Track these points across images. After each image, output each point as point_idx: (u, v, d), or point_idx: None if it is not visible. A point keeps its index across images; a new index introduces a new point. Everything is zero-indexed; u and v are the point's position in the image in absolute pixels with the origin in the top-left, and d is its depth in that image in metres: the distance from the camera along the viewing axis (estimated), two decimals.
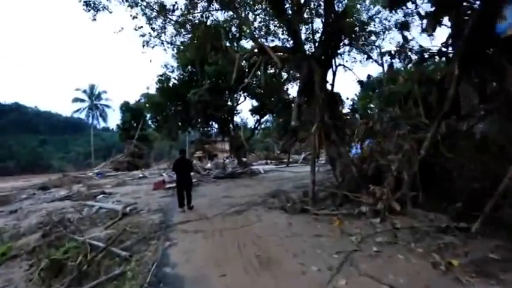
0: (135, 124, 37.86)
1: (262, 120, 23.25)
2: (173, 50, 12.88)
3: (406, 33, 6.52)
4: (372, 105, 22.10)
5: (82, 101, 45.15)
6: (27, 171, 51.30)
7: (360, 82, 9.35)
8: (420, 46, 5.26)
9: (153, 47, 11.97)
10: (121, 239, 6.87)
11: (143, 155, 36.76)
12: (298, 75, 17.35)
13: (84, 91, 44.78)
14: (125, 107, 37.96)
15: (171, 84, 18.37)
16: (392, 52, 6.46)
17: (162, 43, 11.72)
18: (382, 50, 10.97)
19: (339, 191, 7.35)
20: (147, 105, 19.68)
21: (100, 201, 13.39)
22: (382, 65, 11.98)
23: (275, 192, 10.39)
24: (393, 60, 5.40)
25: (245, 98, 19.42)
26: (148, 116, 21.54)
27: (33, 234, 9.21)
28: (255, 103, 21.82)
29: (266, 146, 43.91)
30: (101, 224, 8.69)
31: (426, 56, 5.56)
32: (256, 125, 22.52)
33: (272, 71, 18.29)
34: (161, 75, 18.27)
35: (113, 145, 51.59)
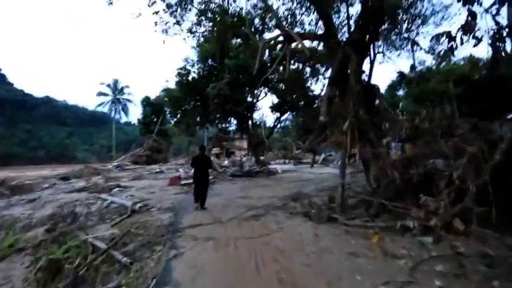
0: (155, 119, 37.68)
1: (282, 118, 22.11)
2: (193, 39, 12.03)
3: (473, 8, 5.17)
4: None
5: (106, 95, 45.74)
6: (55, 161, 52.72)
7: (401, 74, 7.99)
8: (496, 22, 4.03)
9: (173, 35, 11.19)
10: (124, 241, 6.07)
11: (162, 150, 36.50)
12: (323, 69, 16.22)
13: (108, 85, 45.40)
14: (146, 102, 37.84)
15: (190, 78, 17.64)
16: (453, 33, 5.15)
17: (182, 30, 10.89)
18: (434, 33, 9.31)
19: (373, 199, 6.22)
20: (166, 99, 19.07)
21: (115, 195, 12.89)
22: (432, 52, 10.36)
23: (296, 195, 9.33)
24: (454, 43, 4.19)
25: (266, 94, 18.45)
26: (167, 111, 20.94)
27: (43, 226, 8.72)
28: (275, 100, 20.79)
29: (284, 145, 42.78)
30: (109, 220, 7.99)
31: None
32: (276, 123, 21.47)
33: (295, 66, 17.21)
34: (181, 69, 17.59)
35: (134, 139, 52.12)
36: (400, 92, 23.80)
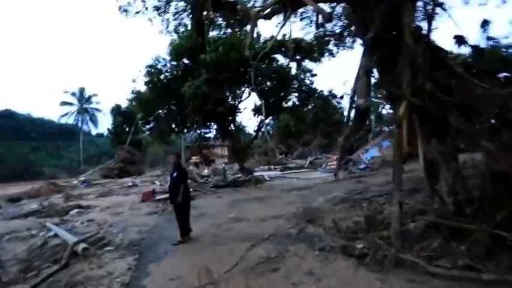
0: (127, 128, 33.94)
1: (267, 121, 19.62)
2: (162, 23, 9.25)
3: None
4: None
5: (71, 104, 40.88)
6: (18, 178, 46.92)
7: (459, 38, 5.74)
8: None
9: (134, 15, 8.38)
10: None
11: (135, 161, 32.79)
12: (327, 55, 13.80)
13: (73, 94, 40.58)
14: (116, 111, 34.03)
15: (162, 77, 14.73)
16: None
17: (146, 8, 8.14)
18: None
19: (455, 222, 3.80)
20: (133, 103, 15.98)
21: (72, 218, 9.88)
22: None
23: (307, 212, 6.77)
24: None
25: (249, 94, 15.94)
26: (139, 117, 17.81)
27: None
28: (258, 101, 18.30)
29: (264, 150, 40.30)
30: (36, 272, 4.98)
31: None
32: (261, 126, 18.92)
33: (285, 61, 14.86)
34: (150, 67, 14.62)
35: (107, 151, 47.60)
36: None
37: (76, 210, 11.50)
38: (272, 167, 25.57)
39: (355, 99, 4.33)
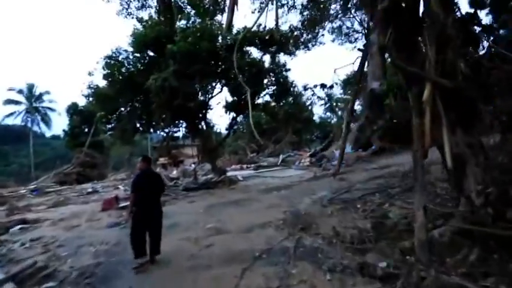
0: (86, 129, 30.85)
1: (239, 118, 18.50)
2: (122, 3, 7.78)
3: None
4: None
5: (18, 103, 36.00)
6: None
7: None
8: None
9: None
10: None
11: (96, 165, 29.91)
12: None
13: (20, 91, 35.71)
14: (73, 110, 30.75)
15: (123, 69, 13.00)
16: None
17: None
18: None
19: (496, 229, 3.08)
20: (90, 99, 14.01)
21: (12, 238, 8.07)
22: None
23: (297, 218, 5.88)
24: None
25: (221, 89, 14.72)
26: (98, 116, 15.73)
27: None
28: (229, 97, 17.20)
29: (234, 149, 39.09)
30: None
31: None
32: (234, 123, 17.78)
33: (259, 54, 13.85)
34: (109, 58, 12.82)
35: (65, 155, 43.18)
36: None
37: (19, 226, 9.51)
38: (244, 166, 24.54)
39: (369, 82, 3.44)
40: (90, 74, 13.01)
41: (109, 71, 13.14)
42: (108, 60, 12.98)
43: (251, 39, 12.92)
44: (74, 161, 29.44)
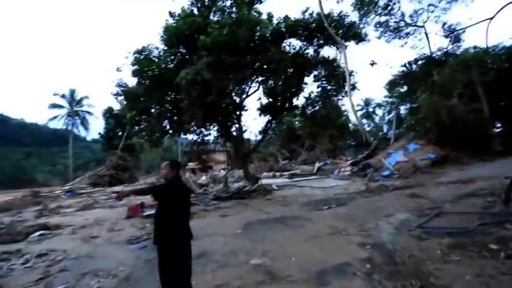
0: (120, 132, 30.45)
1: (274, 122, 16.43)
2: None
3: None
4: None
5: (61, 107, 36.73)
6: (10, 185, 42.96)
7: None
8: None
9: None
10: None
11: (128, 168, 29.25)
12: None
13: (63, 96, 36.43)
14: (109, 114, 30.56)
15: (154, 66, 11.54)
16: None
17: None
18: None
19: None
20: (120, 98, 12.72)
21: (28, 245, 6.97)
22: None
23: (387, 255, 3.66)
24: None
25: (258, 87, 12.78)
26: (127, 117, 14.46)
27: None
28: (263, 100, 15.24)
29: (263, 156, 37.00)
30: None
31: None
32: (268, 127, 15.74)
33: (298, 44, 11.67)
34: (139, 52, 11.44)
35: (103, 157, 44.02)
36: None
37: (39, 232, 8.35)
38: (277, 173, 22.36)
39: None
40: (118, 69, 11.69)
41: (138, 68, 11.74)
42: (138, 56, 11.60)
43: (293, 29, 10.91)
44: (108, 164, 29.04)
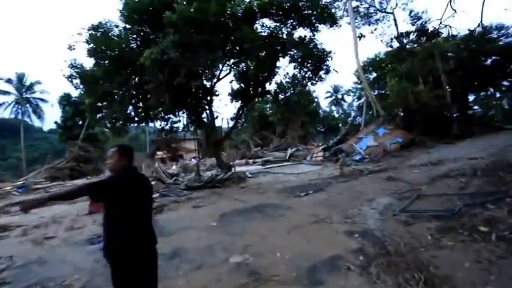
0: (80, 121, 27.89)
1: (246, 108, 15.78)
2: None
3: None
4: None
5: (6, 93, 32.58)
6: None
7: None
8: None
9: None
10: None
11: (91, 159, 27.05)
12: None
13: (9, 80, 32.20)
14: (66, 101, 27.72)
15: (112, 44, 10.21)
16: None
17: None
18: None
19: None
20: (74, 81, 11.16)
21: None
22: None
23: (378, 245, 3.34)
24: None
25: (230, 70, 11.97)
26: (85, 102, 12.83)
27: None
28: (235, 85, 14.50)
29: (235, 143, 36.25)
30: None
31: None
32: (240, 114, 15.06)
33: (271, 25, 10.96)
34: (95, 29, 10.02)
35: (63, 149, 40.22)
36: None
37: None
38: (250, 161, 21.95)
39: None
40: (70, 48, 10.15)
41: (95, 46, 10.35)
42: (94, 32, 10.18)
43: (266, 8, 10.21)
44: (67, 155, 26.61)
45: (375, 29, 17.32)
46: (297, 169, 15.30)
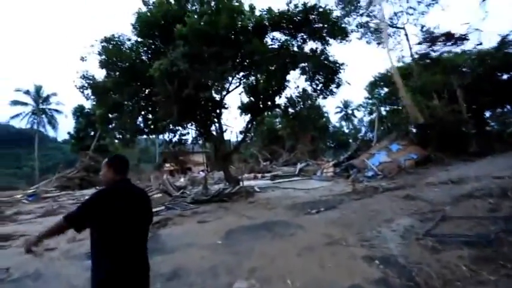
0: (92, 132, 28.22)
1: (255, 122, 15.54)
2: None
3: None
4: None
5: (24, 104, 33.51)
6: None
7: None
8: None
9: None
10: None
11: (100, 170, 27.05)
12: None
13: (27, 92, 33.10)
14: (79, 112, 28.23)
15: (124, 56, 10.26)
16: None
17: None
18: None
19: None
20: (86, 92, 11.19)
21: None
22: None
23: (405, 275, 2.86)
24: None
25: (239, 83, 11.81)
26: (97, 113, 12.89)
27: None
28: (244, 98, 14.36)
29: (244, 157, 35.87)
30: None
31: None
32: (249, 127, 14.81)
33: (281, 38, 10.80)
34: (107, 41, 10.11)
35: (75, 159, 40.89)
36: None
37: None
38: (258, 175, 21.50)
39: None
40: (82, 59, 10.23)
41: (106, 58, 10.41)
42: (106, 45, 10.26)
43: (276, 21, 10.09)
44: (78, 165, 26.79)
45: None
46: (306, 184, 14.78)
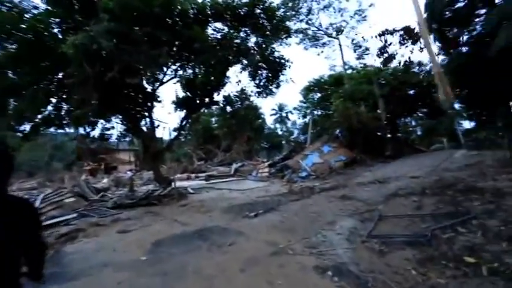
0: None
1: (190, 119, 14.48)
2: None
3: None
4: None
5: None
6: None
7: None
8: None
9: None
10: None
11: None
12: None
13: None
14: None
15: (27, 25, 8.02)
16: None
17: None
18: None
19: None
20: None
21: None
22: None
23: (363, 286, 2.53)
24: None
25: (175, 74, 10.52)
26: None
27: None
28: (180, 92, 13.24)
29: (177, 156, 33.56)
30: None
31: None
32: (184, 124, 13.59)
33: (224, 30, 10.08)
34: (3, 2, 7.74)
35: None
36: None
37: None
38: (192, 175, 20.21)
39: None
40: None
41: (1, 26, 8.02)
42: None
43: (219, 11, 9.34)
44: None
45: (322, 52, 18.18)
46: (242, 185, 14.34)
